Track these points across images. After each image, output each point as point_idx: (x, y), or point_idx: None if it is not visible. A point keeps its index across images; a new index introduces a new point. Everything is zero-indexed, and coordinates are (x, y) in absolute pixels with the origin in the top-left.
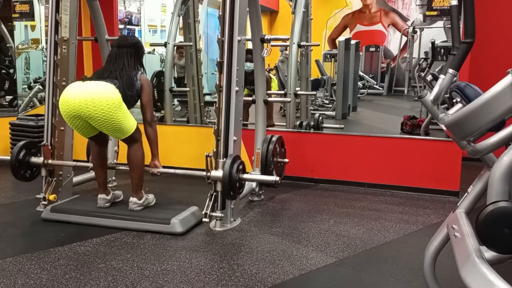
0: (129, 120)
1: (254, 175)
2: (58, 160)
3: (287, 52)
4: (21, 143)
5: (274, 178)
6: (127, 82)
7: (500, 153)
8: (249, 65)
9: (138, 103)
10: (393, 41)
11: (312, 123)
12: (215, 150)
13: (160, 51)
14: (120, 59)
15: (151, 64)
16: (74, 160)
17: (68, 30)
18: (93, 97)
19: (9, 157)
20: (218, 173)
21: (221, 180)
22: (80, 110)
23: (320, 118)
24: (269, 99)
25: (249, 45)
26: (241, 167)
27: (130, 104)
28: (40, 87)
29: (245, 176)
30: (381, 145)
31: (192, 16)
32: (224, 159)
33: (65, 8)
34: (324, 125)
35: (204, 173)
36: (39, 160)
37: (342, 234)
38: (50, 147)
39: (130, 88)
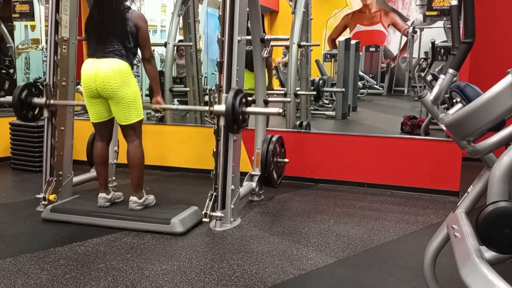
0: (139, 101)
1: (257, 108)
2: (60, 100)
3: (286, 59)
4: (23, 83)
5: (277, 110)
6: (121, 33)
7: (500, 153)
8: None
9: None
10: (393, 41)
11: (312, 87)
12: (214, 150)
13: (160, 51)
14: (107, 4)
15: None
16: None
17: (68, 30)
18: (107, 71)
19: (11, 98)
20: (221, 107)
21: (224, 114)
22: (101, 85)
23: (321, 82)
24: (269, 99)
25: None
26: (244, 100)
27: (136, 51)
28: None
29: (249, 109)
30: (381, 145)
31: (192, 16)
32: (227, 94)
33: (65, 8)
34: (324, 88)
35: (207, 107)
36: (41, 100)
37: (342, 234)
38: (52, 88)
39: (128, 40)
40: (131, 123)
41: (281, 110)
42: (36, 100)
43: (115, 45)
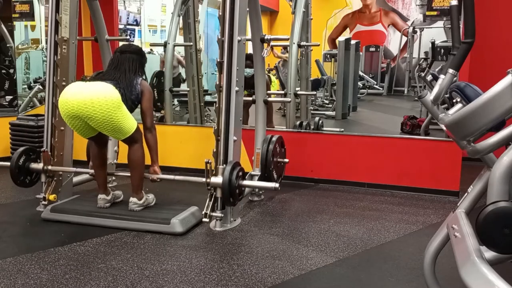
0: (129, 120)
1: (253, 181)
2: (57, 166)
3: (286, 55)
4: (21, 149)
5: (274, 185)
6: (127, 85)
7: (500, 153)
8: (248, 71)
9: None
10: (393, 41)
11: (312, 127)
12: (215, 150)
13: (160, 51)
14: (122, 65)
15: (151, 64)
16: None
17: (68, 30)
18: (91, 97)
19: (8, 164)
20: (218, 179)
21: (220, 187)
22: (79, 111)
23: (320, 121)
24: (269, 99)
25: (249, 49)
26: (240, 173)
27: (130, 108)
28: (40, 87)
29: (245, 182)
30: (381, 145)
31: (192, 16)
32: (224, 165)
33: (65, 8)
34: (324, 128)
35: (204, 179)
36: (38, 166)
37: (342, 234)
38: (49, 153)
39: (130, 92)
40: (127, 136)
41: (277, 185)
42: (34, 165)
43: (115, 82)
